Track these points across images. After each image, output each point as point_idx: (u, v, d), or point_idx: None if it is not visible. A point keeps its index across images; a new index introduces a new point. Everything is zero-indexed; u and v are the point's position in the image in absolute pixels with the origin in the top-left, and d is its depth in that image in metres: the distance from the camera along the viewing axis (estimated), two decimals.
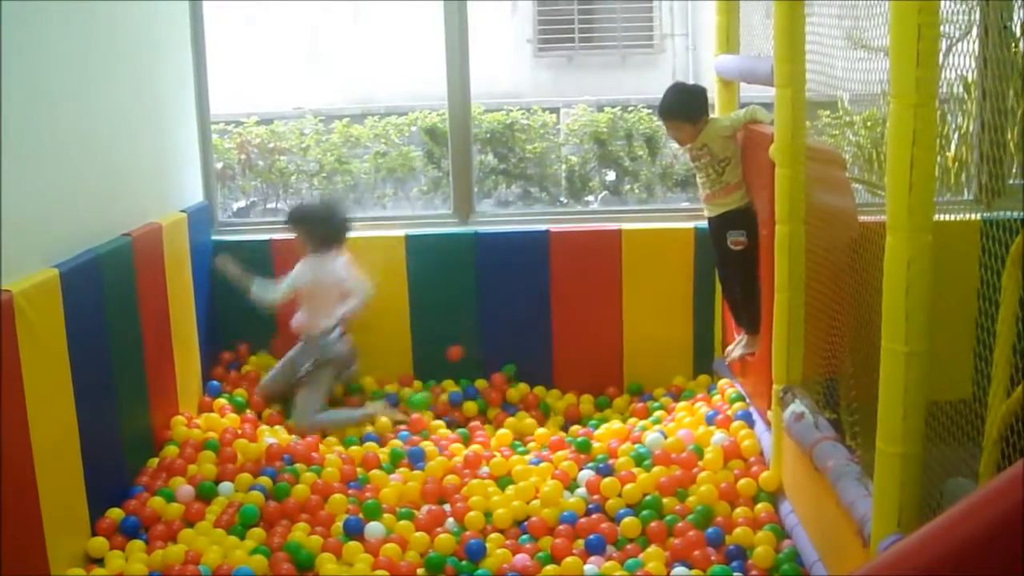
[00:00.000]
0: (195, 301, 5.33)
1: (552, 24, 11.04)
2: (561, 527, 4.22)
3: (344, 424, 5.16)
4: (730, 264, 4.87)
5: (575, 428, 5.17)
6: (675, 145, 7.34)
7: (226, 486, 4.51)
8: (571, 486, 4.53)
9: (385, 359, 5.65)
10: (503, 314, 5.64)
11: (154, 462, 4.65)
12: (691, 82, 5.49)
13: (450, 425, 5.29)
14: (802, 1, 3.92)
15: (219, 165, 7.39)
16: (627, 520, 4.21)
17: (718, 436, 4.68)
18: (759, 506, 4.28)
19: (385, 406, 5.29)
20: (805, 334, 4.12)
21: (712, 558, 3.96)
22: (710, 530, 4.11)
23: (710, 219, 4.88)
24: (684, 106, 4.80)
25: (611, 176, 8.46)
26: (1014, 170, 3.35)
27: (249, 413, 5.26)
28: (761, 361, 4.57)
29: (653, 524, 4.18)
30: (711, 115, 4.86)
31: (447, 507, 4.42)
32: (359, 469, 4.71)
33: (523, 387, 5.60)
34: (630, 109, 8.31)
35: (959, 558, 1.40)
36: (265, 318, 5.51)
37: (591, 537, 4.11)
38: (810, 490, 3.83)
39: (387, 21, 10.21)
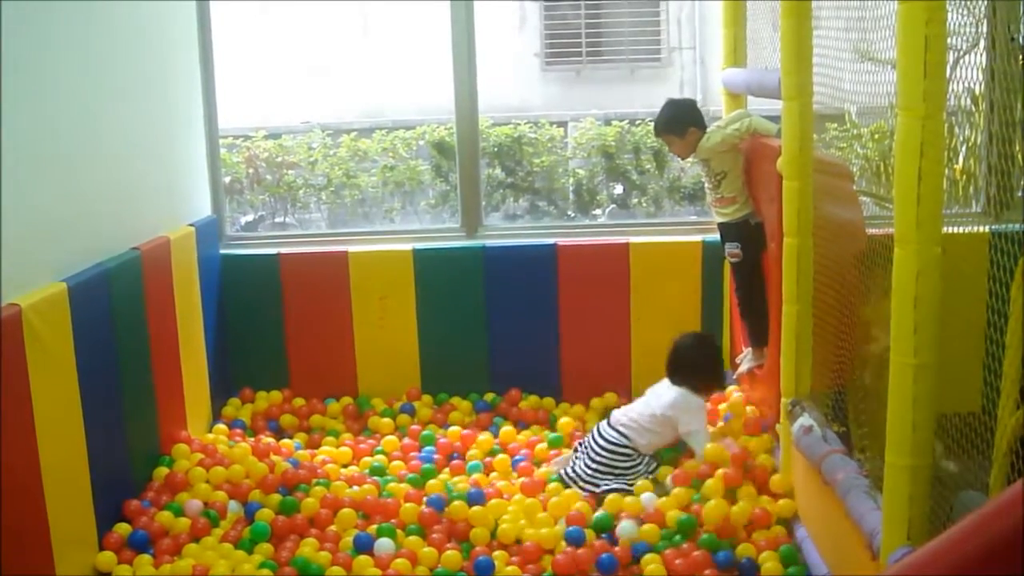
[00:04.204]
0: (203, 315, 5.33)
1: (560, 38, 11.06)
2: (570, 548, 4.16)
3: None
4: (732, 275, 4.91)
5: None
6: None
7: (234, 504, 4.51)
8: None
9: (393, 373, 5.65)
10: (511, 328, 5.63)
11: (162, 476, 4.64)
12: (693, 97, 5.48)
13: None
14: (809, 14, 3.92)
15: (227, 179, 7.41)
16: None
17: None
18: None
19: None
20: (813, 347, 4.11)
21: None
22: (720, 555, 4.06)
23: (717, 224, 4.90)
24: (668, 121, 4.83)
25: (619, 190, 8.47)
26: (1023, 182, 3.34)
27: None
28: (769, 374, 4.56)
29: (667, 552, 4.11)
30: (709, 128, 4.84)
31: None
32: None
33: (532, 399, 5.60)
34: (638, 123, 8.32)
35: (969, 572, 1.39)
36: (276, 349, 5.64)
37: (603, 556, 4.05)
38: (819, 503, 3.82)
39: (395, 35, 10.24)
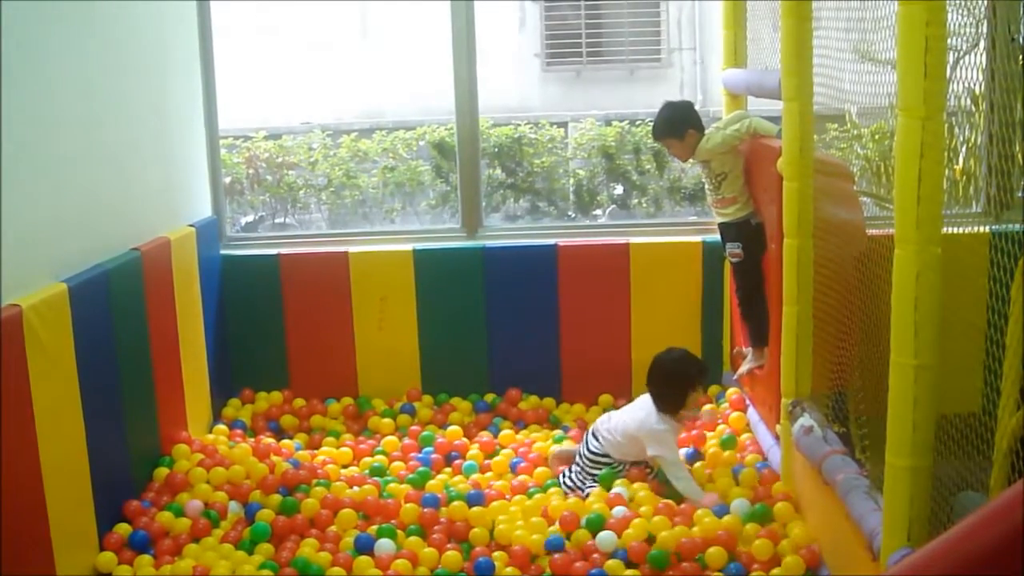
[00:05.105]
0: (203, 316, 5.33)
1: (560, 38, 11.06)
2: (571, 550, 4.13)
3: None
4: (733, 275, 4.91)
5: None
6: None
7: (234, 505, 4.50)
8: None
9: (393, 374, 5.65)
10: (511, 328, 5.64)
11: (162, 476, 4.64)
12: (693, 97, 5.45)
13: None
14: (809, 15, 3.92)
15: (227, 180, 7.41)
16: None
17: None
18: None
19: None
20: (814, 347, 4.11)
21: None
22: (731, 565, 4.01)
23: (718, 224, 4.90)
24: (665, 124, 4.83)
25: (619, 190, 8.47)
26: (1023, 183, 3.34)
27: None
28: (770, 375, 4.56)
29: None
30: (708, 129, 4.84)
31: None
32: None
33: (532, 400, 5.60)
34: (638, 123, 8.32)
35: (969, 572, 1.39)
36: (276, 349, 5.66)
37: (592, 572, 3.96)
38: (819, 504, 3.82)
39: (395, 36, 10.25)
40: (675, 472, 4.43)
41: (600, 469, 4.56)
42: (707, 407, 5.25)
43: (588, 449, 4.61)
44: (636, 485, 4.44)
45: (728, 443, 4.81)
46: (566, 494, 4.54)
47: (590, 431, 4.70)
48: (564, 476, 4.65)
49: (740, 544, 4.04)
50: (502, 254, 5.65)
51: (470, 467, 4.91)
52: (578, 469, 4.62)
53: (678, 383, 4.54)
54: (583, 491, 4.52)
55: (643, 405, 4.58)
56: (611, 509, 4.29)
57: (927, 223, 2.62)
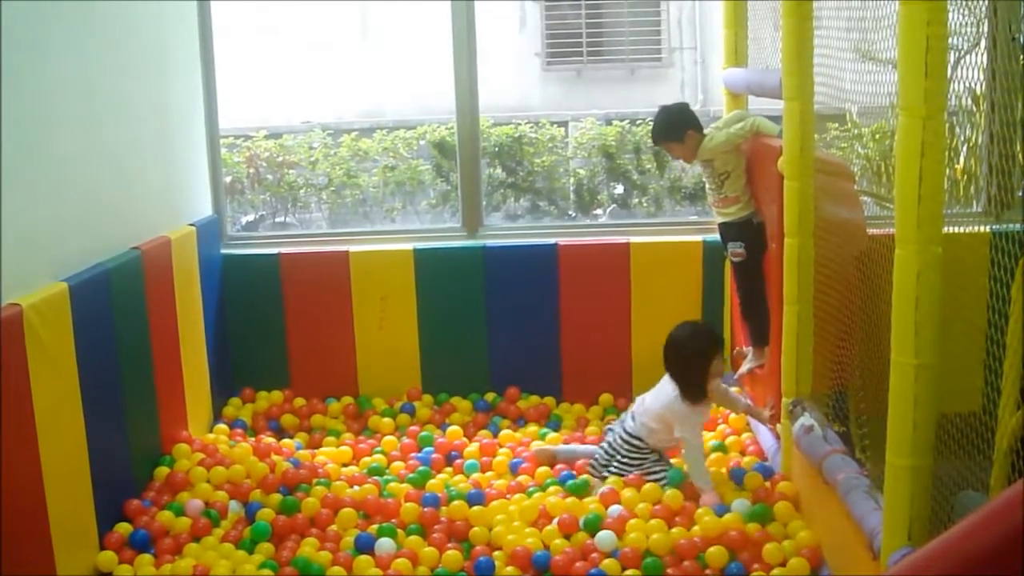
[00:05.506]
0: (204, 315, 5.33)
1: (561, 38, 11.06)
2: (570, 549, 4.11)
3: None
4: (734, 275, 4.90)
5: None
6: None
7: (235, 504, 4.50)
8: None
9: (393, 373, 5.65)
10: (511, 328, 5.63)
11: (163, 476, 4.64)
12: (695, 97, 5.44)
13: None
14: (810, 14, 3.92)
15: (228, 179, 7.41)
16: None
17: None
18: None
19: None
20: (814, 347, 4.11)
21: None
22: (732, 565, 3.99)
23: (718, 224, 4.89)
24: (664, 128, 4.83)
25: (619, 189, 8.47)
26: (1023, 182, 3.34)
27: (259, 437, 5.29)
28: (770, 374, 4.56)
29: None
30: (707, 129, 4.83)
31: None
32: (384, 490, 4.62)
33: (533, 399, 5.60)
34: (638, 122, 8.32)
35: (969, 572, 1.39)
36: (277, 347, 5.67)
37: (592, 572, 3.94)
38: (820, 503, 3.82)
39: (396, 35, 10.25)
40: (693, 456, 4.41)
41: (633, 452, 4.54)
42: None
43: (624, 430, 4.60)
44: (626, 488, 4.43)
45: (725, 445, 4.82)
46: (588, 472, 4.59)
47: (629, 412, 4.69)
48: (591, 460, 4.67)
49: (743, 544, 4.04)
50: (502, 253, 5.65)
51: (472, 466, 4.91)
52: (607, 449, 4.62)
53: (696, 364, 4.44)
54: (606, 471, 4.56)
55: (665, 386, 4.54)
56: (606, 508, 4.28)
57: (928, 222, 2.62)
